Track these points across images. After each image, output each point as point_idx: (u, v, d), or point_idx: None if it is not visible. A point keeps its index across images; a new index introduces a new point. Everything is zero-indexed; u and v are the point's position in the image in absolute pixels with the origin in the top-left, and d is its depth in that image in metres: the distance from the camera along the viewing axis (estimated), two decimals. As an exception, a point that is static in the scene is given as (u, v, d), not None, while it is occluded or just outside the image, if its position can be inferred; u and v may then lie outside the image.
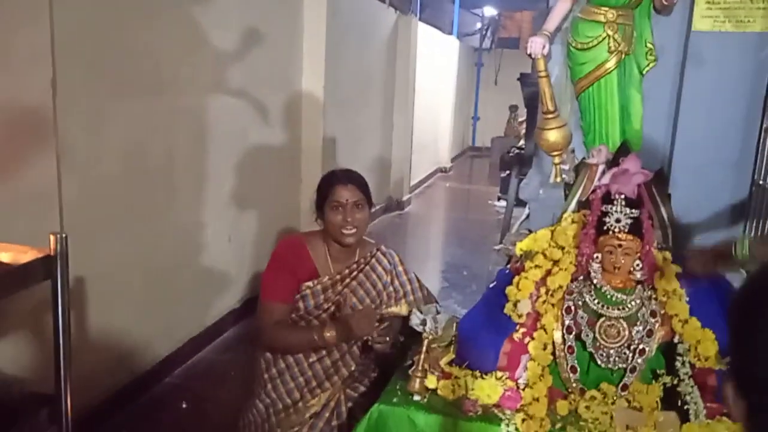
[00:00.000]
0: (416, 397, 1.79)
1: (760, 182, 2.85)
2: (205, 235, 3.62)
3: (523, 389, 1.75)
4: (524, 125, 7.79)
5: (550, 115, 2.41)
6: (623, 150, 2.05)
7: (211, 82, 3.55)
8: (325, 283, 2.10)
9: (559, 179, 2.52)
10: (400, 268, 2.24)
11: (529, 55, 2.37)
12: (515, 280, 1.90)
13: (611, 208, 1.70)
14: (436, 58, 10.19)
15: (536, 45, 2.32)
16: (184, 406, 2.99)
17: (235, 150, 3.88)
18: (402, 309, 2.21)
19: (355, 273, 2.14)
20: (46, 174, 2.25)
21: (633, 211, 1.69)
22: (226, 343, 3.71)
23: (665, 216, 2.26)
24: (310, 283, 2.09)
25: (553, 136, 2.43)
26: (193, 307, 3.57)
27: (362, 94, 6.34)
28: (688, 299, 1.74)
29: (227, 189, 3.82)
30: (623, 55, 2.38)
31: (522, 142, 6.79)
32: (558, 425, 1.66)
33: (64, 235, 1.58)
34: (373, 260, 2.19)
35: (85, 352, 2.66)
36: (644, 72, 2.51)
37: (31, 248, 1.63)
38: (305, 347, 2.07)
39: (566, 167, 2.52)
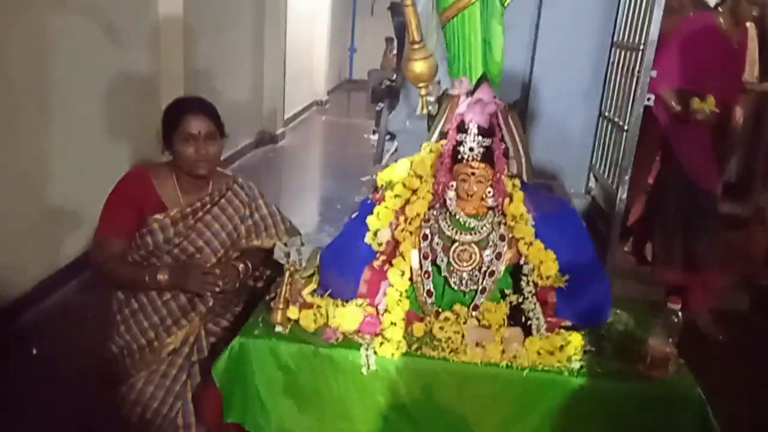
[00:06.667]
0: (278, 329, 1.78)
1: (606, 113, 3.05)
2: (52, 166, 3.31)
3: (382, 315, 1.78)
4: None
5: (416, 45, 2.39)
6: (483, 81, 2.08)
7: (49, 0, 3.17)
8: (174, 216, 1.99)
9: (425, 111, 2.54)
10: (260, 201, 2.17)
11: (396, -18, 2.33)
12: (376, 209, 1.91)
13: (465, 137, 1.73)
14: (310, -17, 9.82)
15: (401, -29, 2.27)
16: (34, 352, 2.79)
17: (83, 76, 3.54)
18: (264, 242, 2.16)
19: (208, 206, 2.05)
20: None
21: (485, 139, 1.74)
22: (84, 284, 3.48)
23: (519, 145, 2.35)
24: (158, 216, 1.97)
25: (419, 66, 2.42)
26: (42, 246, 3.30)
27: (229, 18, 5.97)
28: (533, 223, 1.83)
29: (77, 117, 3.49)
30: (486, -14, 2.39)
31: (395, 75, 6.79)
32: (414, 346, 1.72)
33: None
34: (230, 193, 2.10)
35: None
36: (506, 4, 2.54)
37: None
38: (139, 287, 1.98)
39: (432, 99, 2.54)
